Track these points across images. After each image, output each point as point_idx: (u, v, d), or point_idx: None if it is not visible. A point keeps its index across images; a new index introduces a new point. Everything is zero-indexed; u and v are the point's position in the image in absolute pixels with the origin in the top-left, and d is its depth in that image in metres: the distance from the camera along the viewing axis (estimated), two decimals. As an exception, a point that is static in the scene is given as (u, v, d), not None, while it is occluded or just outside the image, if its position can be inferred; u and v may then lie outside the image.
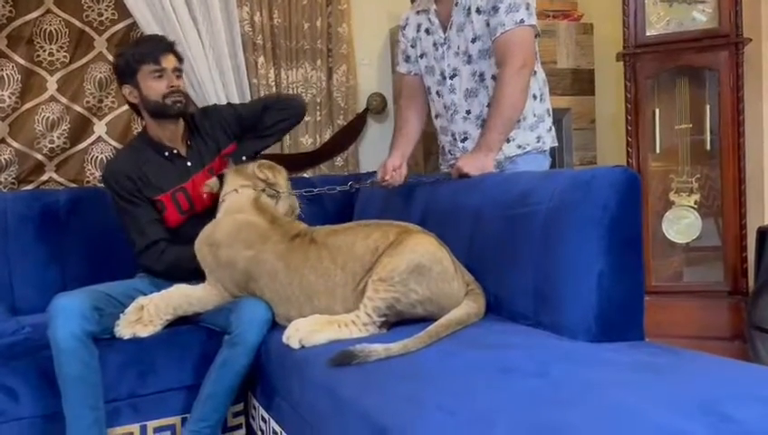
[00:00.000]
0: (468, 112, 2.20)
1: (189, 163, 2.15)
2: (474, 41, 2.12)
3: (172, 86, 2.06)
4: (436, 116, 2.32)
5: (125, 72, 2.08)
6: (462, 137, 2.22)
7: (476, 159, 2.04)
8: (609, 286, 1.46)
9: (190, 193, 2.12)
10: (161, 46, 2.08)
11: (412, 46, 2.33)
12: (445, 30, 2.20)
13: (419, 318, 1.66)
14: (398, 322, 1.67)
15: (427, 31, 2.25)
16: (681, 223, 2.73)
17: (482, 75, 2.15)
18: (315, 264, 1.76)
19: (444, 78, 2.22)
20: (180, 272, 2.02)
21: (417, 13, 2.29)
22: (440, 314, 1.63)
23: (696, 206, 2.72)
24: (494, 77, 2.12)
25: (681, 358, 1.30)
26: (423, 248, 1.66)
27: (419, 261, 1.63)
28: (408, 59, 2.36)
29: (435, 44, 2.23)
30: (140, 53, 2.07)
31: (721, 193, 2.67)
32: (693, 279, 2.79)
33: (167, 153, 2.14)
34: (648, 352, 1.34)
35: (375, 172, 2.33)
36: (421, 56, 2.30)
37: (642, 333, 1.50)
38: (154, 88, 2.05)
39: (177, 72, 2.10)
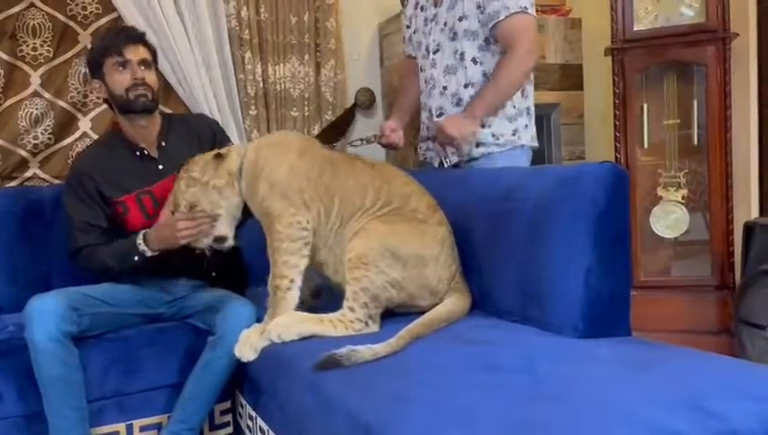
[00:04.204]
0: (445, 88, 2.21)
1: (161, 166, 2.04)
2: (461, 19, 2.14)
3: (136, 78, 1.94)
4: (420, 92, 2.35)
5: (92, 67, 2.00)
6: (438, 112, 2.24)
7: (458, 121, 2.08)
8: (596, 282, 1.45)
9: (157, 197, 2.00)
10: (124, 37, 1.98)
11: (408, 26, 2.39)
12: (436, 6, 2.23)
13: (403, 308, 1.66)
14: (390, 321, 1.66)
15: (422, 8, 2.30)
16: (669, 218, 2.74)
17: (462, 54, 2.16)
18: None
19: (428, 52, 2.25)
20: (109, 274, 1.95)
21: None
22: (412, 302, 1.63)
23: (683, 201, 2.72)
24: (474, 60, 2.15)
25: (667, 354, 1.30)
26: (391, 234, 1.66)
27: (384, 244, 1.63)
28: (406, 40, 2.42)
29: (425, 20, 2.27)
30: (104, 45, 1.98)
31: (708, 188, 2.67)
32: (681, 273, 2.80)
33: (137, 152, 2.04)
34: (635, 348, 1.35)
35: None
36: (414, 32, 2.35)
37: (629, 329, 1.50)
38: (118, 81, 1.94)
39: (145, 64, 1.98)
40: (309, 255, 1.74)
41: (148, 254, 1.89)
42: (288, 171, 1.76)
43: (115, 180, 1.99)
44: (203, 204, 1.81)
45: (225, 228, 1.85)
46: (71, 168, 2.06)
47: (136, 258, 1.90)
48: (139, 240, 1.89)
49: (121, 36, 1.99)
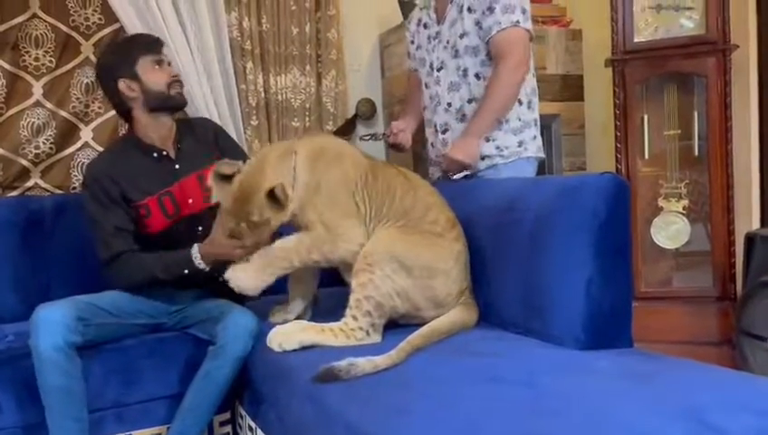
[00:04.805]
0: (449, 105, 2.24)
1: (178, 166, 2.07)
2: (462, 36, 2.17)
3: (173, 75, 2.04)
4: (424, 108, 2.38)
5: (121, 65, 1.99)
6: (443, 128, 2.27)
7: (465, 145, 2.10)
8: (597, 294, 1.45)
9: (177, 197, 2.03)
10: (157, 38, 2.09)
11: (411, 42, 2.42)
12: (439, 24, 2.26)
13: (407, 320, 1.65)
14: (391, 332, 1.65)
15: (425, 25, 2.33)
16: (670, 229, 2.73)
17: (465, 71, 2.19)
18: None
19: (432, 69, 2.28)
20: (148, 283, 1.94)
21: (421, 9, 2.38)
22: (416, 314, 1.62)
23: (684, 211, 2.72)
24: (477, 75, 2.17)
25: (668, 365, 1.29)
26: (401, 240, 1.66)
27: (392, 250, 1.64)
28: (411, 55, 2.45)
29: (428, 38, 2.30)
30: (141, 42, 2.04)
31: (709, 199, 2.67)
32: (682, 284, 2.79)
33: (155, 154, 2.05)
34: (636, 360, 1.34)
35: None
36: (417, 49, 2.38)
37: (630, 341, 1.50)
38: (157, 78, 2.00)
39: (171, 65, 2.09)
40: None
41: (203, 269, 1.89)
42: (345, 187, 1.74)
43: (135, 183, 2.00)
44: (266, 236, 1.76)
45: None
46: (87, 175, 2.03)
47: (186, 271, 1.90)
48: (196, 255, 1.88)
49: (153, 37, 2.10)
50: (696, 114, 2.70)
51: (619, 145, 2.77)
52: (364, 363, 1.39)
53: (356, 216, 1.73)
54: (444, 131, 2.26)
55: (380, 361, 1.40)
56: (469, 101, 2.19)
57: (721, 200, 2.64)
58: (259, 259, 1.72)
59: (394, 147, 2.38)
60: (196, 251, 1.89)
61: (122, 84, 2.00)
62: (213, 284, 2.08)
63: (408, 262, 1.64)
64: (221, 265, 1.84)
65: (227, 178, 1.74)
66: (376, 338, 1.63)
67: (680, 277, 2.82)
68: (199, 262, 1.88)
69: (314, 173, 1.74)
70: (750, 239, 2.47)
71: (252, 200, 1.67)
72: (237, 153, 2.14)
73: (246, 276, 1.71)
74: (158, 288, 1.99)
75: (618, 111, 2.76)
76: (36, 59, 2.70)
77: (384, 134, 2.41)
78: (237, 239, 1.75)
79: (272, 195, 1.64)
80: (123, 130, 2.76)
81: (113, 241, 1.94)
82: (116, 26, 2.75)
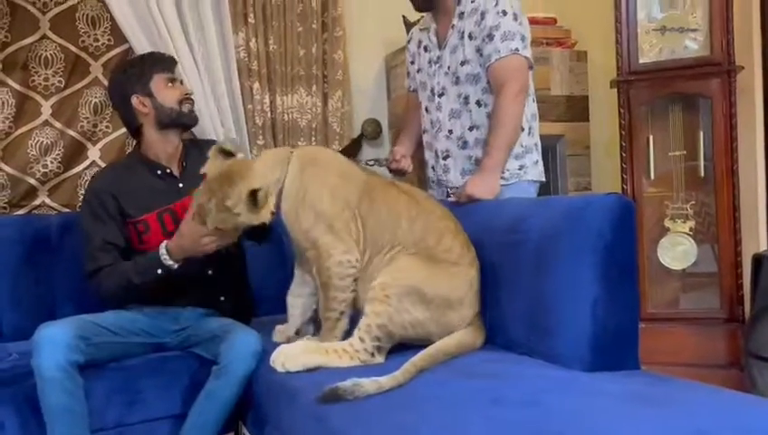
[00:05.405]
0: (450, 132, 2.24)
1: (181, 184, 2.09)
2: (462, 64, 2.17)
3: (186, 93, 2.11)
4: (424, 131, 2.37)
5: (136, 82, 2.06)
6: (444, 154, 2.26)
7: (484, 182, 2.05)
8: (603, 315, 1.44)
9: (179, 215, 2.04)
10: (171, 57, 2.19)
11: (411, 62, 2.42)
12: (440, 49, 2.25)
13: (415, 342, 1.64)
14: (396, 352, 1.64)
15: (426, 48, 2.32)
16: (676, 249, 2.72)
17: (466, 98, 2.19)
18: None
19: (433, 95, 2.27)
20: (127, 291, 1.94)
21: (421, 30, 2.37)
22: (426, 339, 1.61)
23: (691, 232, 2.71)
24: (478, 102, 2.17)
25: (675, 388, 1.28)
26: (421, 273, 1.64)
27: (412, 283, 1.62)
28: (409, 75, 2.45)
29: (429, 61, 2.30)
30: (155, 60, 2.11)
31: (716, 220, 2.66)
32: (689, 306, 2.77)
33: (159, 171, 2.10)
34: (642, 382, 1.33)
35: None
36: (418, 71, 2.37)
37: (637, 362, 1.48)
38: (170, 94, 2.07)
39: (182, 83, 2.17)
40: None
41: (172, 265, 1.89)
42: (331, 199, 1.73)
43: (135, 199, 2.03)
44: (229, 227, 1.78)
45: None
46: (88, 188, 2.09)
47: (159, 271, 1.89)
48: (163, 252, 1.89)
49: (168, 56, 2.19)
50: (701, 135, 2.70)
51: (624, 166, 2.76)
52: (368, 384, 1.38)
53: (342, 230, 1.71)
54: (445, 157, 2.26)
55: (385, 382, 1.39)
56: (470, 129, 2.19)
57: (727, 221, 2.63)
58: (322, 336, 1.74)
59: (396, 172, 2.38)
60: (163, 248, 1.89)
61: (135, 100, 2.05)
62: (216, 302, 2.09)
63: (428, 295, 1.63)
64: (192, 263, 1.89)
65: (226, 155, 1.78)
66: (380, 359, 1.62)
67: (687, 299, 2.79)
68: (166, 258, 1.87)
69: (302, 181, 1.76)
70: (757, 260, 2.45)
71: (234, 185, 1.70)
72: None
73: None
74: (155, 306, 2.00)
75: (623, 132, 2.76)
76: (46, 79, 2.73)
77: (387, 160, 2.41)
78: (201, 220, 1.76)
79: (252, 195, 1.68)
80: (129, 149, 2.78)
81: (99, 254, 1.97)
82: (125, 47, 2.79)
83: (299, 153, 1.81)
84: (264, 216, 1.73)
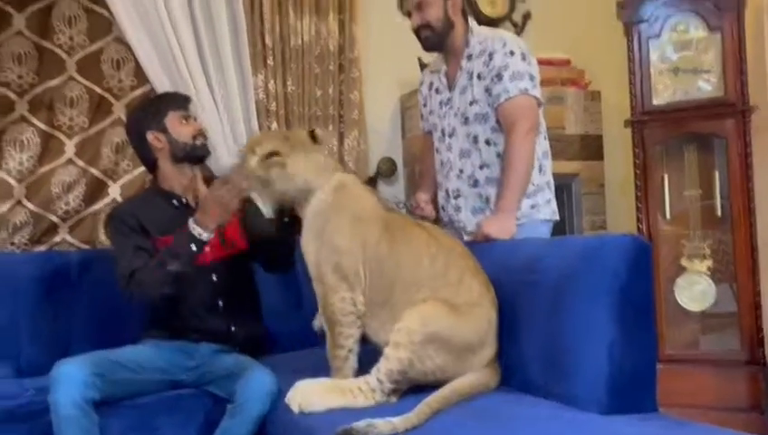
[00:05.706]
0: (461, 171, 2.25)
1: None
2: (471, 104, 2.20)
3: (199, 129, 2.21)
4: (437, 171, 2.39)
5: (151, 118, 2.15)
6: (455, 194, 2.28)
7: (500, 222, 2.05)
8: (620, 356, 1.43)
9: None
10: (186, 96, 2.31)
11: (424, 105, 2.45)
12: (450, 90, 2.28)
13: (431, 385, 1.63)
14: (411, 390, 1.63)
15: (437, 90, 2.35)
16: (694, 289, 2.69)
17: (476, 138, 2.20)
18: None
19: (443, 135, 2.30)
20: (165, 283, 1.94)
21: (432, 72, 2.41)
22: (443, 380, 1.60)
23: (708, 272, 2.68)
24: (487, 141, 2.18)
25: (692, 432, 1.26)
26: (446, 320, 1.62)
27: (438, 330, 1.60)
28: (423, 117, 2.48)
29: (440, 103, 2.32)
30: (170, 99, 2.23)
31: (733, 259, 2.64)
32: (709, 347, 2.72)
33: (175, 202, 2.17)
34: (659, 425, 1.31)
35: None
36: (430, 113, 2.40)
37: (655, 404, 1.46)
38: (184, 131, 2.15)
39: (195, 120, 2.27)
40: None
41: (203, 236, 1.91)
42: (350, 237, 1.73)
43: (154, 224, 2.08)
44: (256, 184, 1.81)
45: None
46: (109, 216, 2.16)
47: (194, 247, 1.92)
48: (193, 225, 1.92)
49: (182, 95, 2.32)
50: (716, 174, 2.70)
51: (639, 205, 2.76)
52: (383, 425, 1.37)
53: (349, 270, 1.71)
54: (456, 197, 2.27)
55: (399, 423, 1.38)
56: (480, 167, 2.20)
57: (746, 261, 2.60)
58: (332, 374, 1.73)
59: (421, 219, 2.32)
60: (191, 222, 1.93)
61: (150, 136, 2.14)
62: (227, 332, 2.09)
63: (452, 341, 1.61)
64: (202, 292, 2.00)
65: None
66: (393, 400, 1.61)
67: (707, 340, 2.75)
68: (198, 231, 1.91)
69: (330, 205, 1.77)
70: (777, 301, 2.43)
71: (273, 141, 1.81)
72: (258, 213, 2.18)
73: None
74: (171, 342, 2.02)
75: (638, 171, 2.77)
76: (71, 119, 2.80)
77: (410, 204, 2.41)
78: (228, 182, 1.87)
79: (270, 155, 1.75)
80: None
81: (132, 259, 1.99)
82: (147, 88, 2.86)
83: (341, 177, 1.83)
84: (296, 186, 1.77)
